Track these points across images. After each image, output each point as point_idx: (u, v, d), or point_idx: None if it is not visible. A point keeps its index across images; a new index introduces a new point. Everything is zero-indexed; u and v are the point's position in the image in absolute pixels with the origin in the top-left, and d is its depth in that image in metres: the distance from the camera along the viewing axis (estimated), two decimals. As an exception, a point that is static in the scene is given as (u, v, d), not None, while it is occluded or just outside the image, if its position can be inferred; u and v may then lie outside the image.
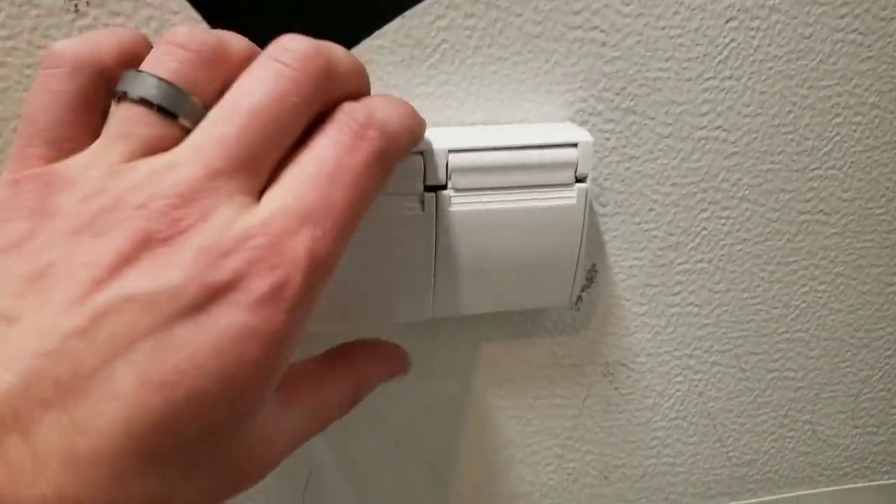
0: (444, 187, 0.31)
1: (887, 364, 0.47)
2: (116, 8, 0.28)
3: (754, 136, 0.37)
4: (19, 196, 0.21)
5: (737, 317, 0.42)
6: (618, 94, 0.35)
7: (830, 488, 0.51)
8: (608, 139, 0.35)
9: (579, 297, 0.39)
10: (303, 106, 0.23)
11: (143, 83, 0.22)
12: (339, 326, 0.32)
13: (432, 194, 0.31)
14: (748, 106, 0.37)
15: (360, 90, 0.25)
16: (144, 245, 0.20)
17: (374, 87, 0.29)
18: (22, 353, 0.19)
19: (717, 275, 0.41)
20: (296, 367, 0.28)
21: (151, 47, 0.23)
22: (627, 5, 0.33)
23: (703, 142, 0.37)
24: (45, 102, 0.22)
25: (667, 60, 0.35)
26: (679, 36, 0.34)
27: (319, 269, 0.22)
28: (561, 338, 0.40)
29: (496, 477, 0.43)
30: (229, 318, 0.20)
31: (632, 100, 0.35)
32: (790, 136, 0.38)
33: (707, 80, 0.35)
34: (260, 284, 0.20)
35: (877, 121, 0.39)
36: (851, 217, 0.41)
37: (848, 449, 0.50)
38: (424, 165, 0.30)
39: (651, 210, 0.38)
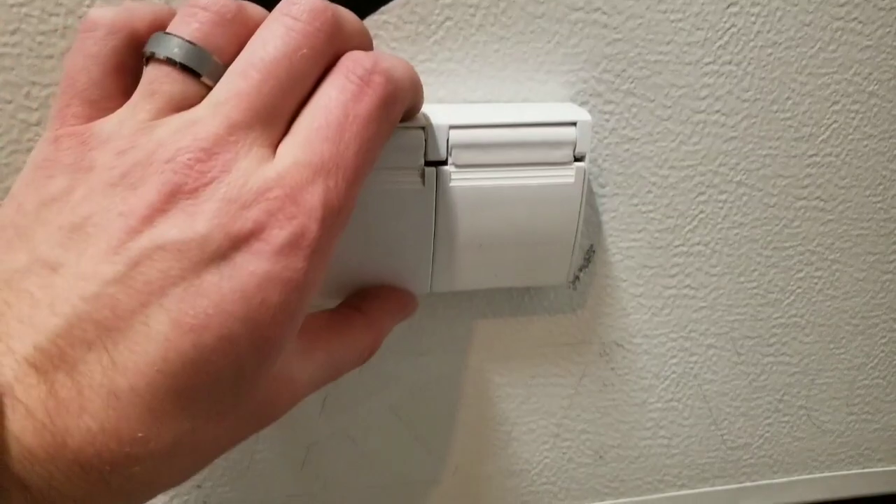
0: (445, 163, 0.31)
1: (882, 352, 0.48)
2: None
3: (753, 121, 0.38)
4: (59, 152, 0.23)
5: (733, 300, 0.43)
6: (618, 75, 0.35)
7: (825, 474, 0.51)
8: (608, 120, 0.36)
9: (577, 277, 0.40)
10: (313, 58, 0.24)
11: (169, 44, 0.23)
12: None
13: (433, 169, 0.31)
14: (747, 91, 0.37)
15: (364, 47, 0.26)
16: (173, 197, 0.21)
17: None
18: (66, 297, 0.20)
19: (714, 258, 0.41)
20: (316, 316, 0.29)
21: None
22: (629, -12, 0.33)
23: (701, 125, 0.37)
24: (82, 64, 0.24)
25: (667, 44, 0.35)
26: (680, 20, 0.35)
27: (334, 217, 0.23)
28: (558, 317, 0.41)
29: (492, 454, 0.44)
30: (253, 266, 0.21)
31: (632, 82, 0.36)
32: (788, 123, 0.39)
33: (707, 64, 0.36)
34: (280, 234, 0.22)
35: (875, 109, 0.40)
36: (848, 204, 0.42)
37: (843, 435, 0.50)
38: (426, 140, 0.31)
39: (649, 192, 0.38)
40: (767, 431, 0.49)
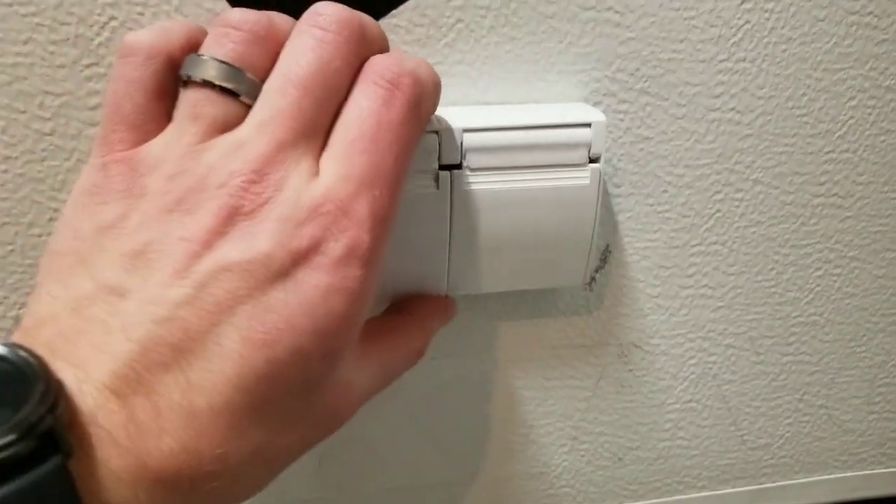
0: (459, 166, 0.31)
1: (903, 349, 0.47)
2: (139, -12, 0.29)
3: (768, 118, 0.38)
4: (109, 179, 0.23)
5: (751, 299, 0.43)
6: (631, 74, 0.35)
7: (846, 474, 0.51)
8: (622, 120, 0.36)
9: (593, 278, 0.39)
10: (345, 69, 0.24)
11: (205, 66, 0.24)
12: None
13: (447, 173, 0.31)
14: (762, 88, 0.37)
15: (384, 51, 0.27)
16: (230, 219, 0.22)
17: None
18: (138, 322, 0.21)
19: (731, 257, 0.41)
20: (367, 322, 0.30)
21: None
22: (641, -14, 0.33)
23: (716, 123, 0.37)
24: (124, 90, 0.24)
25: (681, 42, 0.35)
26: (693, 17, 0.34)
27: (382, 224, 0.24)
28: (574, 318, 0.40)
29: (510, 457, 0.44)
30: (315, 280, 0.22)
31: (646, 81, 0.35)
32: (804, 119, 0.38)
33: (721, 61, 0.36)
34: (335, 247, 0.23)
35: (892, 104, 0.39)
36: (866, 201, 0.41)
37: (864, 434, 0.50)
38: (440, 144, 0.31)
39: (665, 191, 0.38)
40: (788, 431, 0.48)
